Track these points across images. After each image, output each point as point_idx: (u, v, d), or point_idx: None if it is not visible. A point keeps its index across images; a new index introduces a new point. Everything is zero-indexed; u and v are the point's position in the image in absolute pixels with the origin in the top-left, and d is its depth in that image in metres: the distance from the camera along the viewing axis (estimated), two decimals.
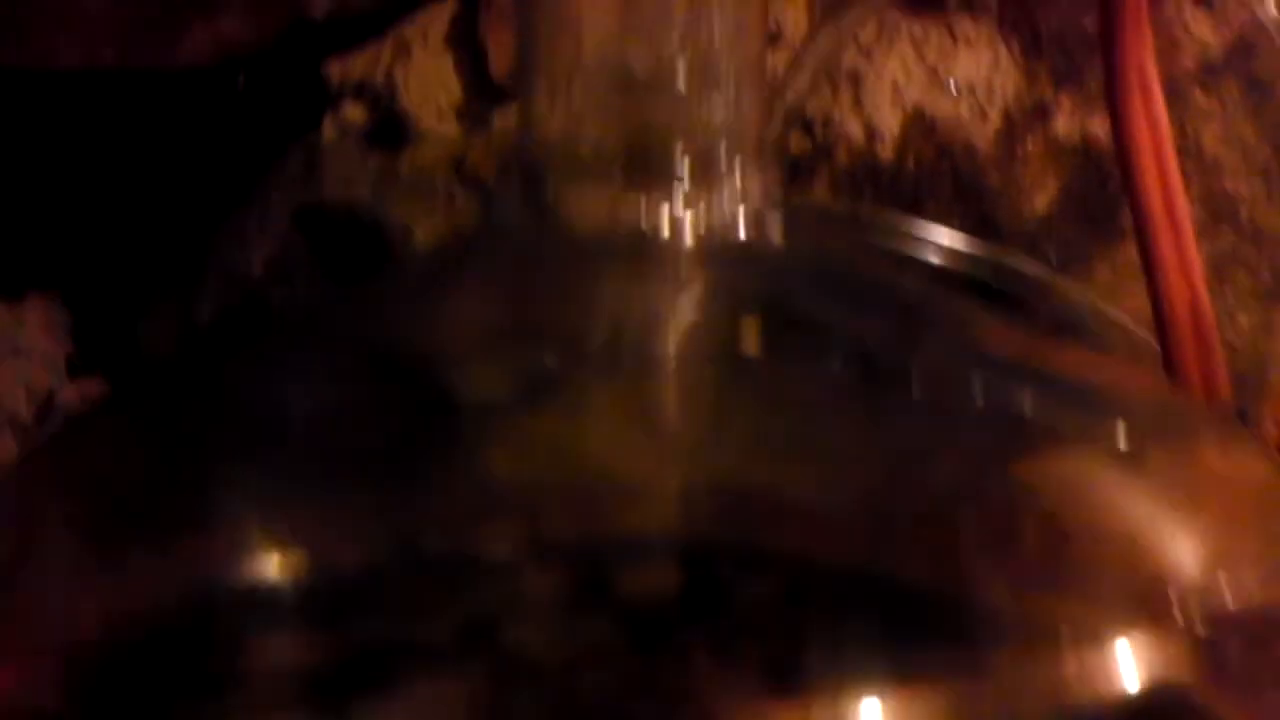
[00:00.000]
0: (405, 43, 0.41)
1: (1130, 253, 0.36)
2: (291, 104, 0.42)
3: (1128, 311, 0.41)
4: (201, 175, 0.45)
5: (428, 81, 0.41)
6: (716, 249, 0.24)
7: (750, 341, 0.23)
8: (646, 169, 0.24)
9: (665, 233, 0.24)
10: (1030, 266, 0.40)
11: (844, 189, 0.41)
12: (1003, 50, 0.41)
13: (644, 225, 0.23)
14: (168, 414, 0.29)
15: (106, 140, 0.45)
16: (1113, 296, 0.42)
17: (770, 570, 0.22)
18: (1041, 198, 0.41)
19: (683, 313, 0.23)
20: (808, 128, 0.41)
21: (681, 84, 0.23)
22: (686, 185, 0.24)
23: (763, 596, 0.22)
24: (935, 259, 0.39)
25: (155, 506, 0.26)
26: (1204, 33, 0.41)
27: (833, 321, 0.23)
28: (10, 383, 0.46)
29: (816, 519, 0.23)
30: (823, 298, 0.24)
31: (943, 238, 0.39)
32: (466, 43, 0.40)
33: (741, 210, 0.24)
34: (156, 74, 0.39)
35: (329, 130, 0.42)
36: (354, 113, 0.42)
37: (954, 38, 0.41)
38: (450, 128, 0.41)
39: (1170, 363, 0.35)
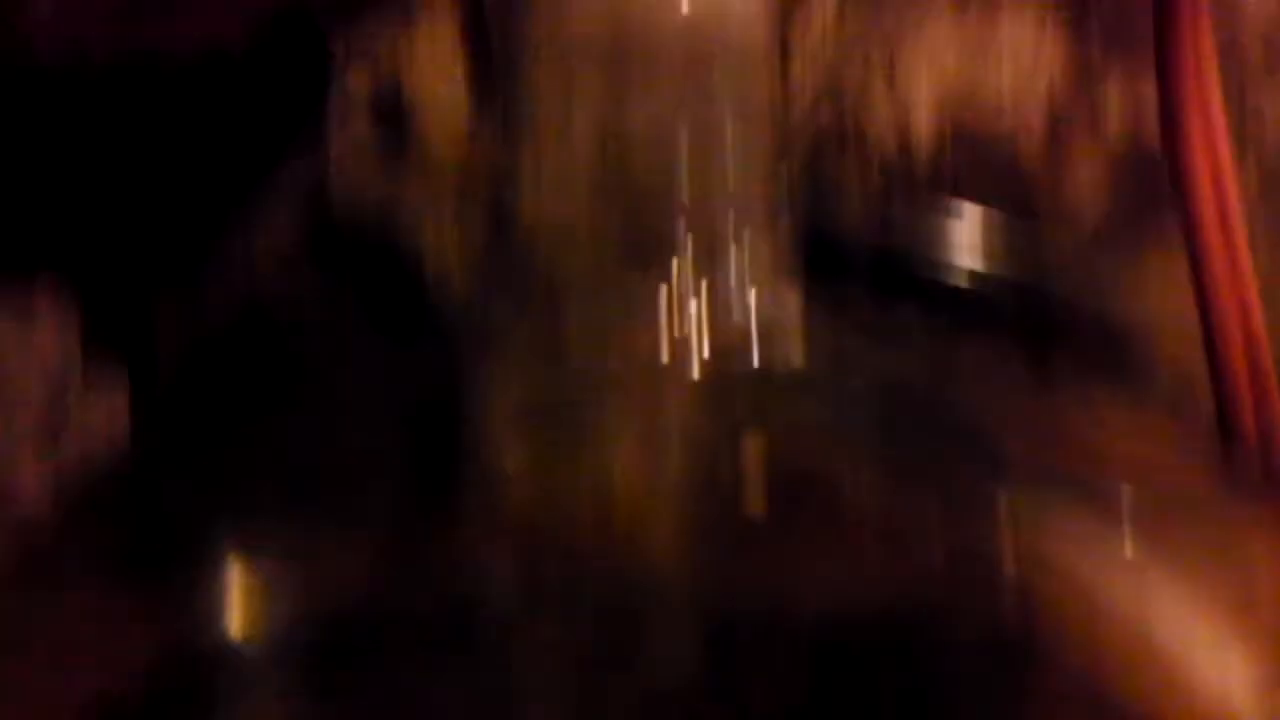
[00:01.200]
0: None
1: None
2: (297, 78, 0.40)
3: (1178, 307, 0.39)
4: (206, 166, 0.43)
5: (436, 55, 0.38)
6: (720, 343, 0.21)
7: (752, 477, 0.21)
8: (644, 242, 0.21)
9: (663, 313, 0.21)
10: (1069, 284, 0.38)
11: (875, 167, 0.38)
12: (1050, 18, 0.38)
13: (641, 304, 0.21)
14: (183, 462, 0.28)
15: (111, 130, 0.43)
16: (1162, 278, 0.39)
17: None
18: (1087, 172, 0.39)
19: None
20: (837, 102, 0.38)
21: (682, 148, 0.21)
22: (689, 258, 0.21)
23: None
24: (971, 285, 0.37)
25: (160, 556, 0.25)
26: None
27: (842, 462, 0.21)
28: (22, 369, 0.45)
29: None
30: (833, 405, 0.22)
31: (978, 221, 0.37)
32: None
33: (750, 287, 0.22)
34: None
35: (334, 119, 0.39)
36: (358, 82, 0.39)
37: (996, 3, 0.38)
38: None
39: (1221, 399, 0.33)
